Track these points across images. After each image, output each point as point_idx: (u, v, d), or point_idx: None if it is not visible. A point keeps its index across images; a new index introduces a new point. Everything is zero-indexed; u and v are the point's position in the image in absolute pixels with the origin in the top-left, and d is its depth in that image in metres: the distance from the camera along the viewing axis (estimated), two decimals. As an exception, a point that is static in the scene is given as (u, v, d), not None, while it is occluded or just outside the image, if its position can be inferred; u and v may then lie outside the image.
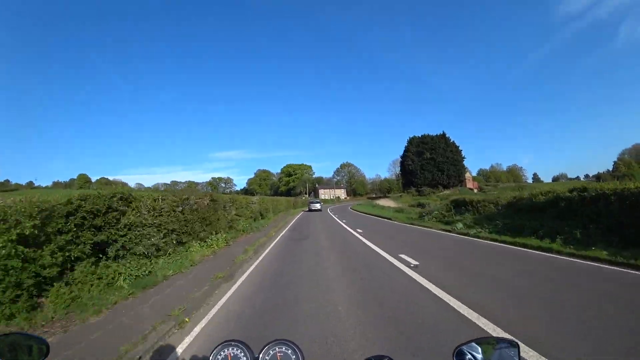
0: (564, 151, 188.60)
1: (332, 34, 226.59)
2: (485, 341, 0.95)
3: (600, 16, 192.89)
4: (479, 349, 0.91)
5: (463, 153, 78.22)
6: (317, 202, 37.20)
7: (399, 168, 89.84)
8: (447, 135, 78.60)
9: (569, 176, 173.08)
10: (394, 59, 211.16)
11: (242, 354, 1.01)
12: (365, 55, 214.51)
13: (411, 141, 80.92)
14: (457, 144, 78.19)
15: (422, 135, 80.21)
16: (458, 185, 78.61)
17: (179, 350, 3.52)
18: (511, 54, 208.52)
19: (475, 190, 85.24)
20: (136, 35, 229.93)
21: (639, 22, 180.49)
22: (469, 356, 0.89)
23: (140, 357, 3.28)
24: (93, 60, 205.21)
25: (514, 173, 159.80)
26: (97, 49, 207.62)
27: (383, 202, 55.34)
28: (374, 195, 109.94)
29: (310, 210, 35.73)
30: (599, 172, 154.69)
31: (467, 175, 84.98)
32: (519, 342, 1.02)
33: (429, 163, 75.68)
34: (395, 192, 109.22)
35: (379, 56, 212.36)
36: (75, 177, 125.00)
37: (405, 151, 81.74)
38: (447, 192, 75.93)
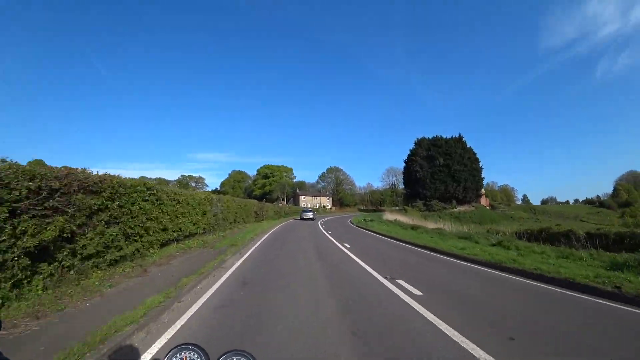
0: (550, 176, 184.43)
1: (324, 46, 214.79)
2: None
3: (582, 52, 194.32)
4: None
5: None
6: (310, 211, 36.58)
7: (402, 176, 73.44)
8: (464, 139, 63.67)
9: (558, 200, 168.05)
10: (385, 78, 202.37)
11: (199, 359, 0.98)
12: (357, 68, 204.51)
13: (420, 143, 65.16)
14: (475, 151, 63.35)
15: (433, 137, 64.74)
16: (474, 200, 63.41)
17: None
18: (497, 82, 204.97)
19: (487, 208, 70.61)
20: (124, 29, 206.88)
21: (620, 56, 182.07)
22: None
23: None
24: (75, 51, 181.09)
25: (506, 193, 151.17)
26: (82, 41, 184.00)
27: (396, 216, 38.11)
28: (362, 207, 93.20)
29: (302, 218, 34.84)
30: (589, 197, 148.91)
31: (482, 190, 70.11)
32: None
33: (442, 171, 59.93)
34: (388, 205, 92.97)
35: (371, 70, 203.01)
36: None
37: (411, 155, 65.71)
38: (461, 208, 60.40)
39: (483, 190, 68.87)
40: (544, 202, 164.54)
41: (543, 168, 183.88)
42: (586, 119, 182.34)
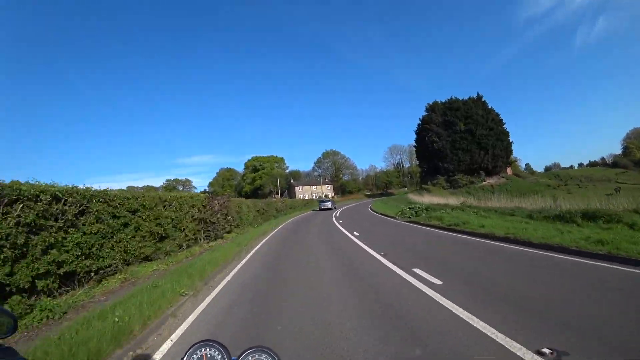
0: (550, 142, 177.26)
1: (301, 39, 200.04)
2: None
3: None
4: None
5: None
6: (328, 201, 37.56)
7: (412, 152, 63.38)
8: (483, 99, 53.43)
9: (562, 165, 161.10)
10: (367, 61, 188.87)
11: (219, 356, 0.95)
12: (338, 56, 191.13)
13: (432, 108, 54.63)
14: (498, 112, 53.26)
15: (448, 100, 54.30)
16: (503, 169, 53.78)
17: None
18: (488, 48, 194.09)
19: (517, 178, 61.15)
20: (100, 35, 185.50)
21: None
22: None
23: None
24: (55, 61, 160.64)
25: (511, 162, 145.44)
26: (61, 50, 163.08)
27: (435, 198, 27.86)
28: (368, 193, 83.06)
29: (321, 209, 35.56)
30: (593, 160, 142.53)
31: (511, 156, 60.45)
32: None
33: (465, 138, 49.69)
34: (396, 187, 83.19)
35: (352, 57, 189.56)
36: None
37: (423, 123, 55.18)
38: (491, 180, 50.75)
39: (512, 158, 59.27)
40: (547, 169, 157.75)
41: (540, 135, 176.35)
42: (579, 82, 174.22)
